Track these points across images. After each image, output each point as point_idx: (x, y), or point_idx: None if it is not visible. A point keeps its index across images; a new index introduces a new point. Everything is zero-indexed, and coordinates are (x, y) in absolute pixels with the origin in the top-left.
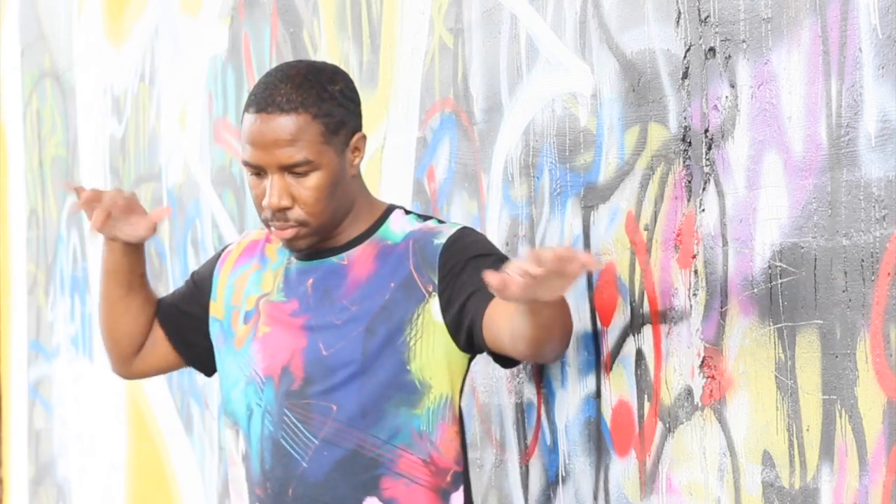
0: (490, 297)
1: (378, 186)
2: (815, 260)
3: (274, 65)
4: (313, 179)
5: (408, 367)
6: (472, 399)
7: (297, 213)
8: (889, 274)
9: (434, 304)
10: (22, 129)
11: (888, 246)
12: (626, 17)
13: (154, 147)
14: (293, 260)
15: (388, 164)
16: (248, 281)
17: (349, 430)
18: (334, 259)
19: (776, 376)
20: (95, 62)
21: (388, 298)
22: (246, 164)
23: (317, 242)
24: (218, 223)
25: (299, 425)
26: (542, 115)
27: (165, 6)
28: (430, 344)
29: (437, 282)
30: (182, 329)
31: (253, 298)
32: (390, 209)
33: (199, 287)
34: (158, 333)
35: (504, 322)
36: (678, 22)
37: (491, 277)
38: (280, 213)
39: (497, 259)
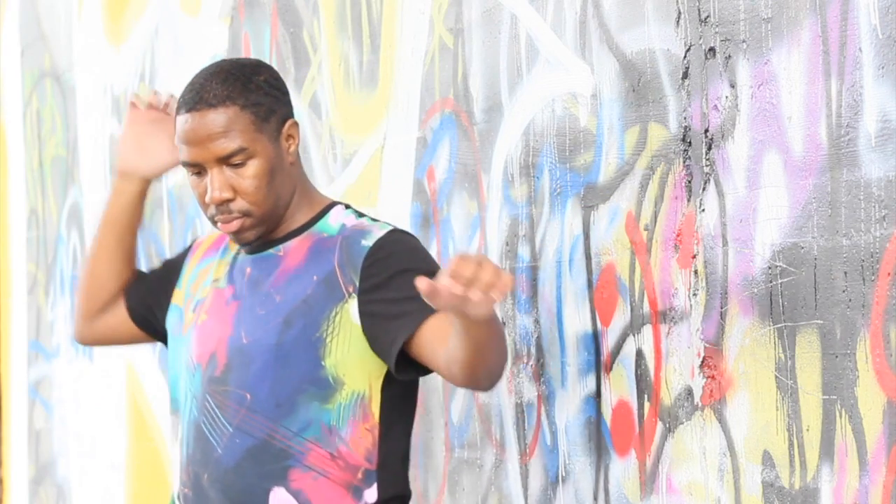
0: (418, 321)
1: (378, 186)
2: (815, 260)
3: (274, 64)
4: (251, 168)
5: (322, 363)
6: (472, 399)
7: (239, 204)
8: (889, 274)
9: (353, 306)
10: (22, 129)
11: (888, 246)
12: (626, 17)
13: None
14: (241, 251)
15: (388, 164)
16: (209, 273)
17: (262, 420)
18: (272, 250)
19: (776, 376)
20: (95, 62)
21: (309, 293)
22: (185, 164)
23: (264, 233)
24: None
25: (217, 411)
26: (542, 115)
27: (165, 6)
28: (346, 342)
29: (357, 284)
30: (143, 301)
31: (208, 289)
32: (332, 205)
33: (168, 272)
34: (120, 299)
35: (439, 347)
36: (678, 22)
37: (421, 283)
38: (223, 205)
39: (423, 273)
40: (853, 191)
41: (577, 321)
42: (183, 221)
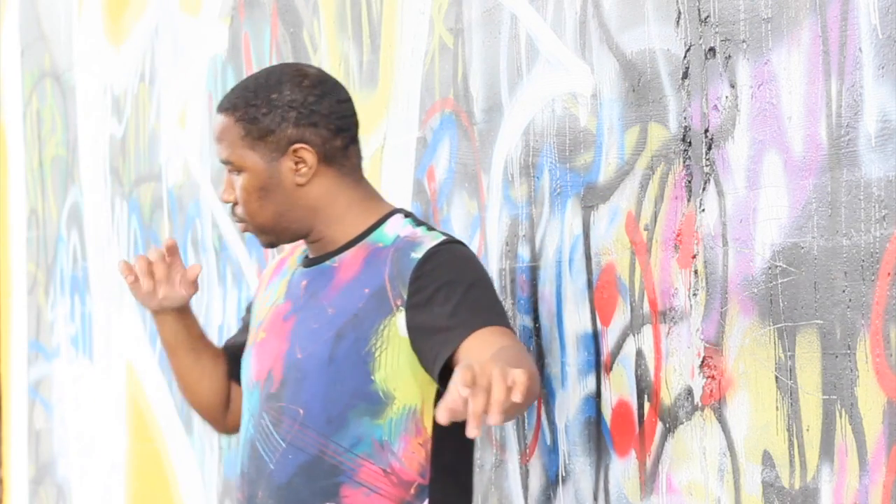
0: (462, 336)
1: (378, 186)
2: (815, 260)
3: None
4: (241, 180)
5: (372, 378)
6: None
7: (238, 209)
8: (889, 274)
9: (400, 319)
10: (22, 129)
11: (888, 246)
12: (626, 17)
13: (154, 147)
14: (299, 267)
15: (388, 164)
16: (271, 294)
17: (314, 435)
18: (328, 262)
19: (776, 376)
20: (95, 62)
21: (361, 306)
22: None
23: (275, 241)
24: (218, 223)
25: (271, 428)
26: (542, 115)
27: (165, 6)
28: (395, 356)
29: (405, 298)
30: None
31: (269, 308)
32: (391, 213)
33: (250, 319)
34: (232, 383)
35: None
36: (678, 22)
37: (440, 414)
38: (230, 207)
39: (467, 287)
40: (853, 191)
41: (577, 321)
42: (183, 221)
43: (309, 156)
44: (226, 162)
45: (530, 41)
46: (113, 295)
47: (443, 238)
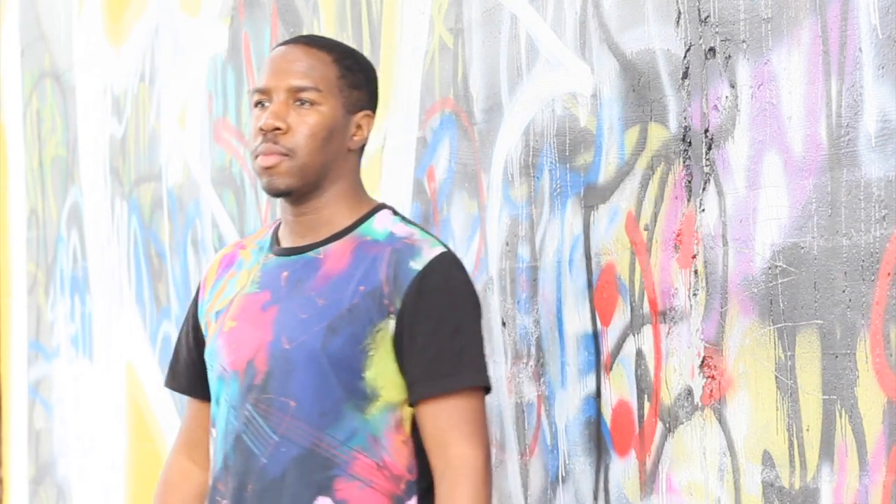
0: (430, 391)
1: (378, 186)
2: (815, 260)
3: None
4: (314, 115)
5: (362, 375)
6: None
7: (288, 139)
8: (889, 274)
9: (392, 325)
10: (22, 129)
11: (888, 246)
12: (626, 17)
13: (154, 147)
14: (270, 256)
15: (388, 164)
16: (225, 287)
17: (306, 428)
18: (311, 253)
19: (776, 376)
20: (95, 62)
21: (355, 302)
22: (256, 91)
23: (294, 186)
24: (218, 223)
25: (260, 420)
26: (542, 115)
27: (165, 6)
28: (385, 358)
29: (398, 308)
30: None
31: (228, 298)
32: (378, 207)
33: (196, 332)
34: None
35: (431, 438)
36: (678, 22)
37: None
38: (271, 134)
39: (454, 329)
40: (853, 191)
41: (577, 321)
42: (183, 221)
43: (368, 127)
44: (307, 88)
45: (530, 41)
46: (113, 295)
47: (438, 247)
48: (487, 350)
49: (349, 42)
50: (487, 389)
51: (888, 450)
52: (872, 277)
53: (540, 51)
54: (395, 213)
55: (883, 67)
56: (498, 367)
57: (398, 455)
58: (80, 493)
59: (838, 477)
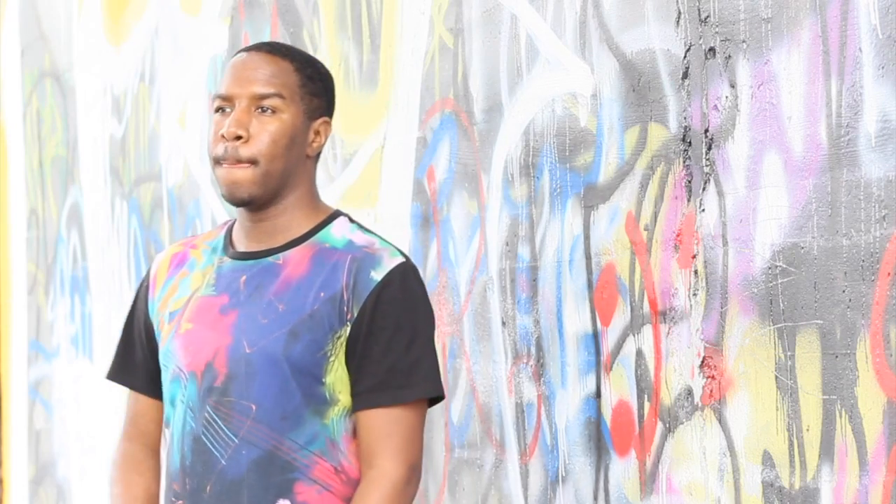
0: (375, 402)
1: (378, 186)
2: (815, 260)
3: None
4: (275, 123)
5: (323, 380)
6: (472, 399)
7: (249, 148)
8: (889, 274)
9: (348, 332)
10: (22, 129)
11: (888, 246)
12: (626, 17)
13: (154, 147)
14: (226, 259)
15: (388, 164)
16: (178, 287)
17: (267, 431)
18: (270, 259)
19: (776, 376)
20: (95, 62)
21: (316, 308)
22: (218, 97)
23: (256, 195)
24: (218, 223)
25: (220, 423)
26: (542, 115)
27: (165, 6)
28: (342, 363)
29: (355, 315)
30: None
31: (182, 300)
32: (335, 215)
33: (148, 330)
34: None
35: (366, 445)
36: (678, 22)
37: None
38: (233, 143)
39: (409, 341)
40: (853, 191)
41: (577, 321)
42: (183, 221)
43: (326, 134)
44: (270, 95)
45: (530, 41)
46: (113, 295)
47: (398, 256)
48: (487, 350)
49: (349, 42)
50: (440, 398)
51: (888, 450)
52: (872, 277)
53: (540, 51)
54: (352, 220)
55: (883, 67)
56: (498, 367)
57: (354, 459)
58: (80, 493)
59: (838, 477)
